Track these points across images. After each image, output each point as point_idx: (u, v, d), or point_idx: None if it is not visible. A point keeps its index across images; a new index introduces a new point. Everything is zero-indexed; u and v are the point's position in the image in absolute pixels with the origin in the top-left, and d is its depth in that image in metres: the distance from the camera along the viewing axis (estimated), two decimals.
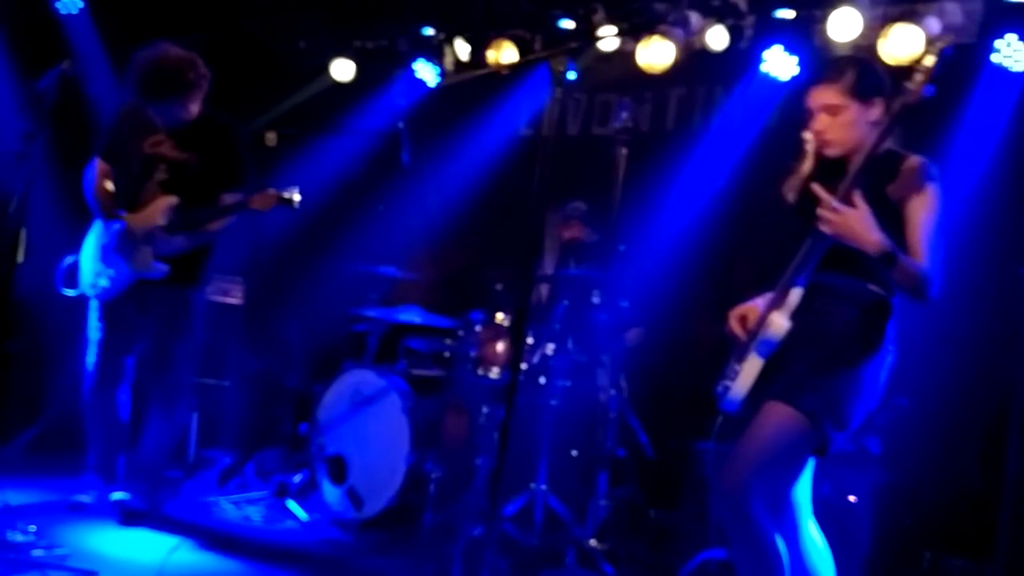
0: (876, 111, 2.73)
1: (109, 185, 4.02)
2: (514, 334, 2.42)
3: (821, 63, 2.83)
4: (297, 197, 3.97)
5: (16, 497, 3.77)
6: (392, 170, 5.03)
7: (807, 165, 2.86)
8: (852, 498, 3.63)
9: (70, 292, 4.01)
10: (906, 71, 2.56)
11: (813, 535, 2.83)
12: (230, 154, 4.03)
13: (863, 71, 2.76)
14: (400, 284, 5.20)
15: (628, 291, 4.65)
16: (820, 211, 2.60)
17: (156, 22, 5.44)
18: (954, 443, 4.12)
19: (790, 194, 2.89)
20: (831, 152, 2.74)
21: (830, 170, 2.78)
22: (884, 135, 2.61)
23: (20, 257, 3.03)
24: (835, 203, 2.58)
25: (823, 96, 2.72)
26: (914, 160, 2.69)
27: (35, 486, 4.16)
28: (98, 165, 4.03)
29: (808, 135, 2.84)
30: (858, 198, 2.57)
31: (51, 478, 4.26)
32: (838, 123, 2.71)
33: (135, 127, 3.98)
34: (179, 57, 3.87)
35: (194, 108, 3.96)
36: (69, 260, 4.04)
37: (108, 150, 4.04)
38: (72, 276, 4.02)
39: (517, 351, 2.44)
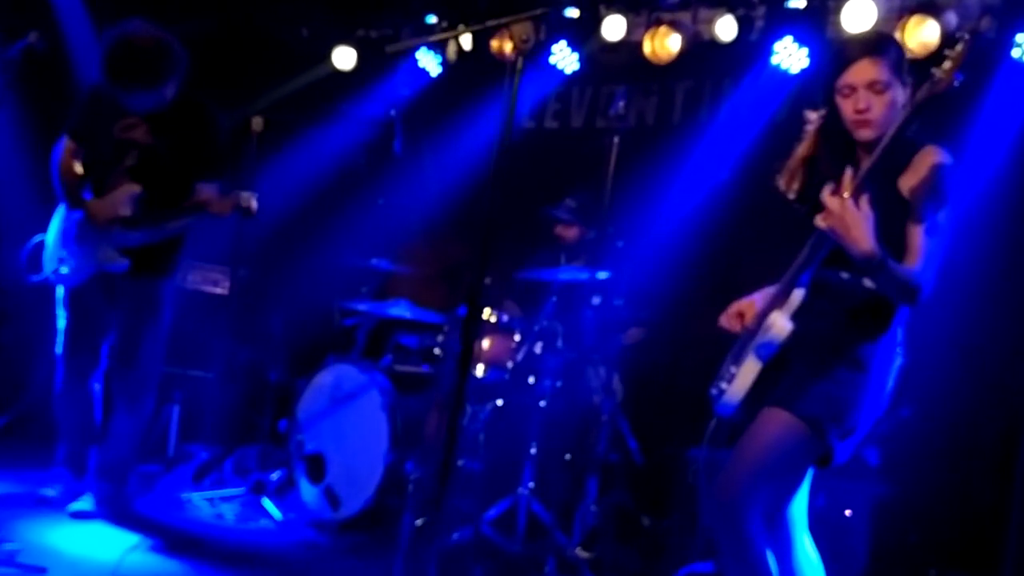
0: (907, 94, 2.52)
1: (78, 167, 3.82)
2: (463, 334, 2.23)
3: (853, 40, 2.60)
4: (254, 205, 3.75)
5: None
6: (385, 159, 4.89)
7: (804, 148, 2.67)
8: (848, 512, 3.44)
9: (34, 277, 3.85)
10: (931, 59, 2.35)
11: (808, 551, 2.66)
12: (207, 141, 3.79)
13: (902, 50, 2.57)
14: (393, 277, 5.06)
15: (625, 289, 4.49)
16: (824, 199, 2.41)
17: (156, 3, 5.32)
18: (960, 455, 3.92)
19: (785, 180, 2.70)
20: (868, 135, 2.50)
21: (837, 154, 2.59)
22: (906, 125, 2.40)
23: None
24: (834, 199, 2.38)
25: (870, 71, 2.47)
26: (932, 154, 2.48)
27: (1, 478, 4.03)
28: (66, 144, 3.82)
29: (812, 114, 2.65)
30: (864, 202, 2.38)
31: (18, 469, 4.13)
32: (883, 102, 2.48)
33: (106, 108, 3.74)
34: (151, 42, 3.53)
35: (168, 92, 3.67)
36: (34, 242, 3.88)
37: (77, 130, 3.82)
38: (36, 261, 3.85)
39: (466, 351, 2.26)
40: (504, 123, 2.16)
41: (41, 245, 3.86)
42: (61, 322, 3.84)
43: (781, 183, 2.72)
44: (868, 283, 2.51)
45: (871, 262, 2.37)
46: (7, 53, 3.18)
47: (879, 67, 2.49)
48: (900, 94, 2.51)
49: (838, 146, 2.60)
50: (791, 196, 2.71)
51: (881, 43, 2.57)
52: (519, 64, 2.16)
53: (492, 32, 5.60)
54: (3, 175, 4.41)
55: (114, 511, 3.78)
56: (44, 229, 3.93)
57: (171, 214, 3.77)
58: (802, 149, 2.69)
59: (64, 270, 3.77)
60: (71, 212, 3.80)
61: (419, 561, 3.18)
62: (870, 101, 2.48)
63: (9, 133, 4.64)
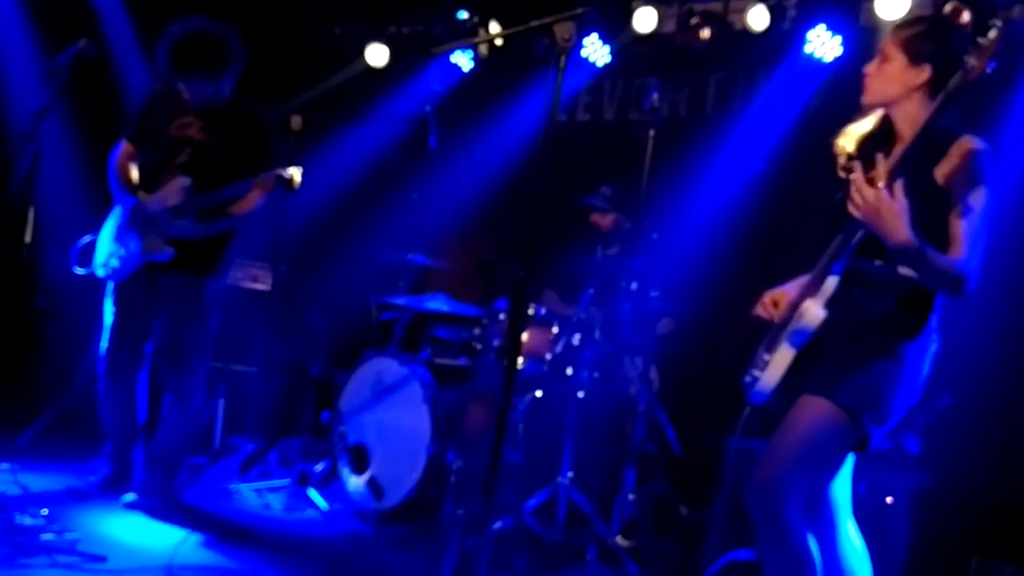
0: (921, 78, 2.55)
1: (134, 172, 3.94)
2: (511, 327, 2.28)
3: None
4: (298, 177, 3.82)
5: (36, 482, 3.75)
6: (420, 155, 4.95)
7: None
8: (889, 499, 3.45)
9: (81, 271, 3.95)
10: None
11: (851, 536, 2.69)
12: (259, 143, 3.90)
13: (929, 32, 2.59)
14: (429, 272, 5.12)
15: (660, 280, 4.52)
16: (853, 192, 2.44)
17: (190, 4, 5.42)
18: (1001, 443, 3.91)
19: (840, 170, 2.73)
20: (864, 99, 2.64)
21: (877, 140, 2.62)
22: (939, 112, 2.42)
23: (28, 237, 2.98)
24: (867, 188, 2.41)
25: (884, 41, 2.61)
26: (967, 142, 2.50)
27: (55, 470, 4.13)
28: (124, 148, 3.96)
29: None
30: (898, 189, 2.40)
31: (69, 463, 4.22)
32: (881, 72, 2.59)
33: (165, 109, 3.90)
34: (214, 32, 3.76)
35: (225, 88, 3.85)
36: (86, 240, 3.99)
37: (136, 133, 3.97)
38: (87, 255, 3.96)
39: (514, 344, 2.30)
40: (547, 122, 2.19)
41: (93, 243, 3.97)
42: (108, 318, 3.93)
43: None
44: (904, 271, 2.53)
45: (908, 252, 2.39)
46: (57, 60, 3.27)
47: (890, 38, 2.60)
48: (905, 71, 2.55)
49: (879, 132, 2.64)
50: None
51: (905, 21, 2.69)
52: (562, 63, 2.19)
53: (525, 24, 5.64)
54: (52, 177, 4.52)
55: (165, 502, 3.88)
56: (92, 230, 4.04)
57: (218, 197, 3.81)
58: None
59: (114, 263, 3.87)
60: (124, 206, 3.90)
61: (468, 552, 3.24)
62: (872, 68, 2.61)
63: (57, 136, 4.76)
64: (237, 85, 3.93)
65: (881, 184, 2.40)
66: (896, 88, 2.58)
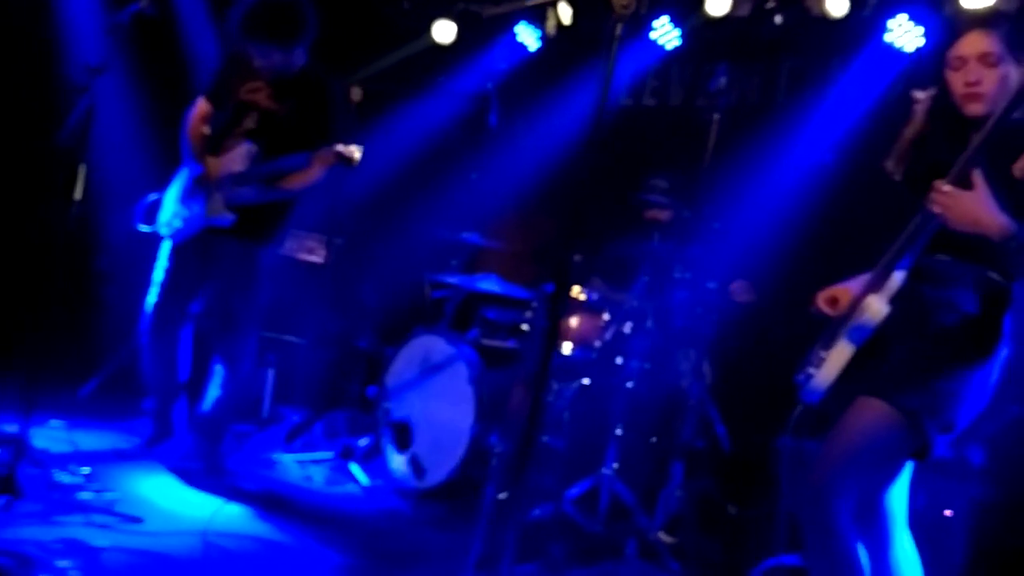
0: (1017, 75, 2.40)
1: (206, 128, 3.96)
2: (549, 311, 2.20)
3: (965, 12, 2.51)
4: (357, 155, 3.77)
5: (87, 440, 3.79)
6: (480, 134, 4.88)
7: (913, 129, 2.55)
8: (948, 512, 3.29)
9: (145, 228, 3.98)
10: None
11: (906, 547, 2.56)
12: (324, 112, 3.89)
13: (1016, 26, 2.45)
14: (482, 252, 5.06)
15: (719, 271, 4.38)
16: (933, 196, 2.30)
17: None
18: None
19: (893, 163, 2.60)
20: (977, 109, 2.41)
21: (947, 135, 2.47)
22: (1017, 101, 2.27)
23: (78, 194, 2.98)
24: (946, 187, 2.27)
25: (982, 43, 2.40)
26: None
27: (107, 428, 4.19)
28: (200, 105, 3.98)
29: (920, 94, 2.53)
30: (977, 177, 2.27)
31: (124, 422, 4.28)
32: (994, 76, 2.39)
33: (237, 71, 3.91)
34: (290, 2, 3.74)
35: (297, 58, 3.85)
36: (152, 197, 4.02)
37: (213, 91, 3.98)
38: (152, 214, 3.99)
39: (552, 328, 2.21)
40: (600, 92, 2.09)
41: (158, 202, 3.99)
42: (159, 275, 3.95)
43: (889, 165, 2.62)
44: (990, 274, 2.39)
45: (1012, 239, 2.25)
46: (117, 18, 3.27)
47: (991, 39, 2.40)
48: (1012, 71, 2.40)
49: (949, 126, 2.49)
50: (897, 178, 2.60)
51: (993, 16, 2.48)
52: (618, 31, 2.08)
53: (594, 4, 5.53)
54: (113, 139, 4.57)
55: (208, 467, 3.90)
56: (151, 190, 4.06)
57: (278, 167, 3.80)
58: (910, 130, 2.59)
59: (177, 223, 3.90)
60: (192, 168, 3.92)
61: (499, 535, 3.17)
62: (981, 74, 2.40)
63: (119, 97, 4.80)
64: (309, 54, 3.91)
65: (947, 187, 2.28)
66: (1008, 88, 2.39)
